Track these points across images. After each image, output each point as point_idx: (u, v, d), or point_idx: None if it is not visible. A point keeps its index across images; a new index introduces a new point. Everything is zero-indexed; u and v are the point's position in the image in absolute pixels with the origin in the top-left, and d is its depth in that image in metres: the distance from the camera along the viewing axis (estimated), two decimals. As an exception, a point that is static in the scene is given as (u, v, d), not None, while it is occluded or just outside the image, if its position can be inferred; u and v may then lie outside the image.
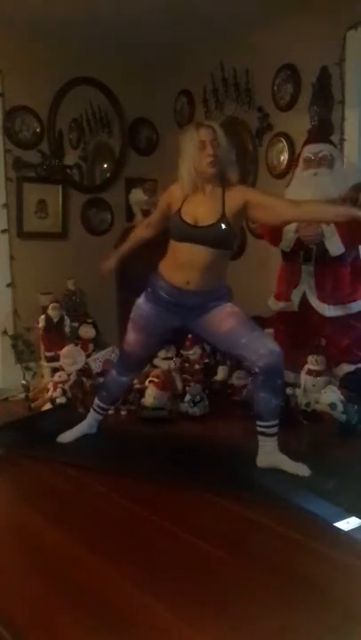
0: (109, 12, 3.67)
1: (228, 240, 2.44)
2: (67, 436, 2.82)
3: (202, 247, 2.39)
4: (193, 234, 2.39)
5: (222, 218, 2.38)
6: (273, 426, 2.45)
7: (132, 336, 2.67)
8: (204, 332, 2.59)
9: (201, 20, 3.80)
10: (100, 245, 4.49)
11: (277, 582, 1.66)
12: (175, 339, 3.45)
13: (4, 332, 4.02)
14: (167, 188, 2.56)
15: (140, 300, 2.62)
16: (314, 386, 3.11)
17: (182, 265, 2.44)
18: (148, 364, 3.25)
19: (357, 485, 2.31)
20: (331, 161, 3.16)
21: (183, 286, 2.46)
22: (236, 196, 2.41)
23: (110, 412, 3.27)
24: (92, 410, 2.89)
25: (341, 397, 2.93)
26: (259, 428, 2.46)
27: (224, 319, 2.47)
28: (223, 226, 2.38)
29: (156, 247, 2.62)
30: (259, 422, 2.46)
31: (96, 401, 2.89)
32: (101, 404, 2.87)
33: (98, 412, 2.88)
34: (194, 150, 2.39)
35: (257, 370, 2.40)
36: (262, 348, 2.39)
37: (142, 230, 2.74)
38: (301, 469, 2.37)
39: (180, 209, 2.43)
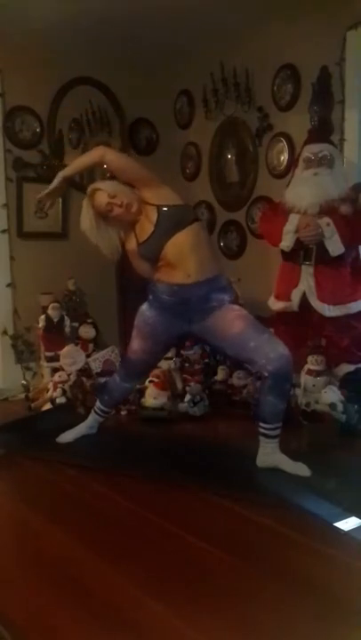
0: (109, 11, 3.67)
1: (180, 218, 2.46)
2: (67, 437, 2.83)
3: (179, 237, 2.40)
4: (155, 236, 2.44)
5: (159, 209, 2.43)
6: (276, 428, 2.44)
7: (136, 343, 2.64)
8: (211, 336, 2.53)
9: (201, 20, 3.80)
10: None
11: (277, 582, 1.66)
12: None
13: (4, 332, 4.02)
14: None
15: (144, 307, 2.59)
16: (314, 386, 3.10)
17: (175, 261, 2.43)
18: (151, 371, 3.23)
19: (357, 485, 2.31)
20: (331, 161, 3.16)
21: (185, 281, 2.43)
22: (152, 192, 2.49)
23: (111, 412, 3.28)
24: (93, 412, 2.89)
25: (341, 397, 2.93)
26: (261, 430, 2.45)
27: (232, 322, 2.43)
28: (162, 208, 2.42)
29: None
30: (262, 424, 2.45)
31: (97, 404, 2.88)
32: (103, 408, 2.87)
33: (99, 415, 2.88)
34: (98, 223, 2.51)
35: (266, 374, 2.36)
36: (272, 351, 2.34)
37: None
38: (302, 469, 2.37)
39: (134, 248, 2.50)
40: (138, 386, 3.36)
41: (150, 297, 2.57)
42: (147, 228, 2.44)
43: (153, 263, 2.48)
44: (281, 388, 2.39)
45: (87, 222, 2.52)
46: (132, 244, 2.50)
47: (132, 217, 2.47)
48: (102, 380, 3.47)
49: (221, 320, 2.44)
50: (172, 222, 2.42)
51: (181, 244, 2.41)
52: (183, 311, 2.48)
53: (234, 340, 2.43)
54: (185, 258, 2.42)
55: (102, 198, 2.48)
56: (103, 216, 2.49)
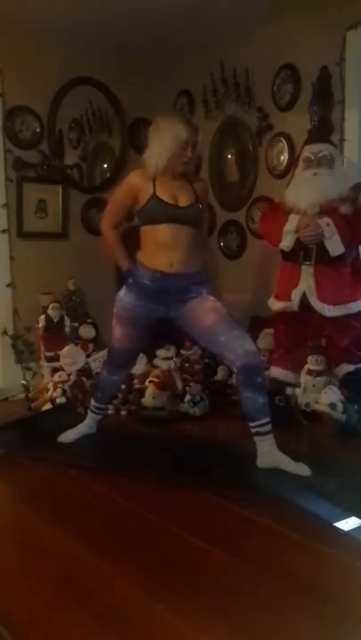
0: (109, 11, 3.67)
1: (202, 221, 2.64)
2: (67, 436, 2.83)
3: (182, 227, 2.49)
4: (176, 213, 2.48)
5: (197, 201, 2.53)
6: (265, 424, 2.45)
7: (118, 331, 2.69)
8: (186, 324, 2.61)
9: (201, 20, 3.80)
10: (101, 245, 4.51)
11: (277, 582, 1.66)
12: (175, 338, 3.45)
13: (4, 332, 4.02)
14: (121, 183, 2.66)
15: (122, 293, 2.65)
16: (314, 386, 3.11)
17: (164, 246, 2.49)
18: (136, 362, 3.23)
19: (357, 485, 2.31)
20: (331, 161, 3.16)
21: (167, 269, 2.50)
22: (202, 186, 2.63)
23: (110, 411, 3.29)
24: (89, 411, 2.90)
25: (341, 397, 2.93)
26: (252, 429, 2.46)
27: (206, 313, 2.52)
28: (200, 206, 2.55)
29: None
30: (250, 423, 2.46)
31: (93, 402, 2.90)
32: (98, 405, 2.89)
33: (96, 413, 2.89)
34: (174, 146, 2.46)
35: (235, 369, 2.46)
36: (239, 347, 2.43)
37: (114, 233, 2.68)
38: (302, 469, 2.37)
39: (154, 192, 2.48)
40: (137, 385, 3.38)
41: (130, 281, 2.60)
42: (175, 194, 2.49)
43: (128, 230, 2.68)
44: (254, 383, 2.43)
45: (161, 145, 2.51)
46: (147, 190, 2.50)
47: (180, 175, 2.52)
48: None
49: (197, 309, 2.53)
50: (193, 216, 2.52)
51: (180, 235, 2.49)
52: (162, 297, 2.55)
53: (206, 333, 2.52)
54: (174, 248, 2.49)
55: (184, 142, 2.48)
56: (171, 151, 2.48)
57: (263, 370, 2.57)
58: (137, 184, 2.53)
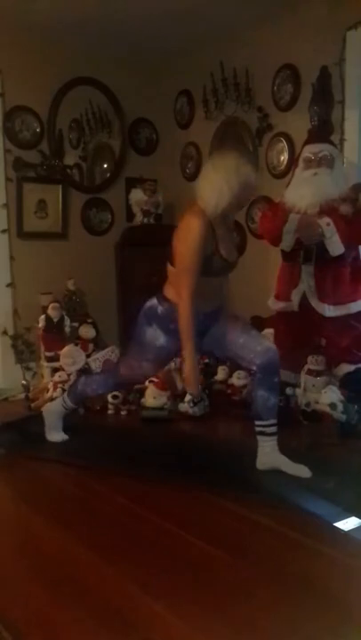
0: (109, 12, 3.67)
1: None
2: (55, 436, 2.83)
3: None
4: (227, 269, 2.46)
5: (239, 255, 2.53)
6: (272, 425, 2.45)
7: (137, 363, 2.63)
8: (206, 340, 2.57)
9: (201, 20, 3.80)
10: (100, 245, 4.51)
11: (277, 582, 1.66)
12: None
13: (4, 332, 4.02)
14: (189, 225, 2.30)
15: (158, 334, 2.50)
16: (314, 386, 3.11)
17: (211, 294, 2.45)
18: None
19: (357, 485, 2.31)
20: (331, 161, 3.16)
21: (208, 309, 2.46)
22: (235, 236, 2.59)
23: (110, 411, 3.29)
24: (62, 403, 2.85)
25: (341, 397, 2.93)
26: (257, 428, 2.46)
27: (223, 323, 2.52)
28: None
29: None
30: (257, 422, 2.46)
31: (70, 402, 2.83)
32: (73, 406, 2.86)
33: (65, 407, 2.85)
34: (239, 189, 2.27)
35: (255, 367, 2.44)
36: (259, 345, 2.44)
37: (191, 300, 2.33)
38: (302, 471, 2.37)
39: (217, 248, 2.36)
40: (138, 385, 3.38)
41: (171, 326, 2.44)
42: (228, 247, 2.40)
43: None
44: (270, 381, 2.43)
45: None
46: (210, 242, 2.33)
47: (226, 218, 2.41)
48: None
49: (216, 325, 2.53)
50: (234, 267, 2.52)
51: (222, 283, 2.50)
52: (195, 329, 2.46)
53: (223, 339, 2.51)
54: (218, 294, 2.50)
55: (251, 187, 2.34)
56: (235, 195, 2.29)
57: (280, 370, 2.55)
58: (202, 235, 2.28)
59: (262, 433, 2.45)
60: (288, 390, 3.17)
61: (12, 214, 4.10)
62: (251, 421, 2.52)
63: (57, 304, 3.82)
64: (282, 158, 3.88)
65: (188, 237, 2.30)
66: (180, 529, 1.96)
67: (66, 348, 3.54)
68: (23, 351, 3.93)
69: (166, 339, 2.50)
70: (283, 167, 3.86)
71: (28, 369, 3.91)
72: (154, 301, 2.51)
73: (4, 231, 4.06)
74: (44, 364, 3.75)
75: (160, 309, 2.48)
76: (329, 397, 2.93)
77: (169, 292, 2.46)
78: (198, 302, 2.35)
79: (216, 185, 2.27)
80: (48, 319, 3.76)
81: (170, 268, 2.43)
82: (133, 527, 2.03)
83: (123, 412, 3.34)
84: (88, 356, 3.62)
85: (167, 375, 3.41)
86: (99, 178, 4.61)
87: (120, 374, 2.75)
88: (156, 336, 2.51)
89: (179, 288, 2.34)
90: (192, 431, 3.12)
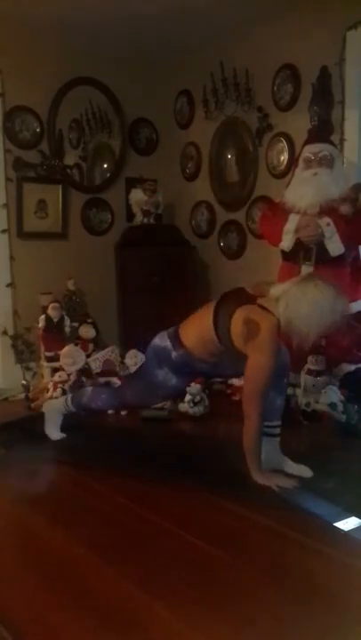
0: (109, 11, 3.67)
1: None
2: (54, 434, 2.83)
3: None
4: None
5: None
6: (276, 426, 2.45)
7: (143, 394, 2.63)
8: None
9: (201, 20, 3.80)
10: (100, 245, 4.51)
11: (277, 582, 1.66)
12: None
13: (4, 332, 4.01)
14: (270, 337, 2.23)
15: (170, 376, 2.45)
16: (314, 386, 3.11)
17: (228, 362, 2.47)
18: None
19: (357, 485, 2.31)
20: (331, 161, 3.16)
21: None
22: None
23: (110, 411, 3.29)
24: (64, 403, 2.83)
25: (341, 397, 2.93)
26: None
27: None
28: None
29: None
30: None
31: (71, 406, 2.80)
32: (72, 409, 2.80)
33: (66, 409, 2.83)
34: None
35: None
36: None
37: (261, 420, 2.28)
38: (304, 471, 2.37)
39: None
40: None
41: (186, 370, 2.44)
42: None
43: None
44: (279, 383, 2.42)
45: None
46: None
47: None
48: (102, 379, 3.47)
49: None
50: None
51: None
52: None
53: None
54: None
55: None
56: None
57: (289, 371, 2.54)
58: None
59: (266, 434, 2.44)
60: (288, 390, 3.16)
61: (12, 214, 4.10)
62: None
63: (57, 304, 3.82)
64: (282, 158, 3.88)
65: (267, 365, 2.20)
66: (180, 529, 1.96)
67: (66, 348, 3.54)
68: (23, 351, 3.92)
69: (179, 379, 2.49)
70: (283, 167, 3.86)
71: (28, 369, 3.90)
72: (166, 343, 2.41)
73: (4, 231, 4.06)
74: (44, 364, 3.75)
75: (174, 355, 2.39)
76: (329, 397, 2.94)
77: (187, 337, 2.39)
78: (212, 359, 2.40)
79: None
80: (48, 319, 3.76)
81: (200, 312, 2.39)
82: (133, 527, 2.03)
83: (123, 412, 3.34)
84: (88, 356, 3.62)
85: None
86: (99, 178, 4.61)
87: (127, 400, 2.75)
88: (168, 378, 2.46)
89: (247, 406, 2.23)
90: (192, 431, 3.12)
